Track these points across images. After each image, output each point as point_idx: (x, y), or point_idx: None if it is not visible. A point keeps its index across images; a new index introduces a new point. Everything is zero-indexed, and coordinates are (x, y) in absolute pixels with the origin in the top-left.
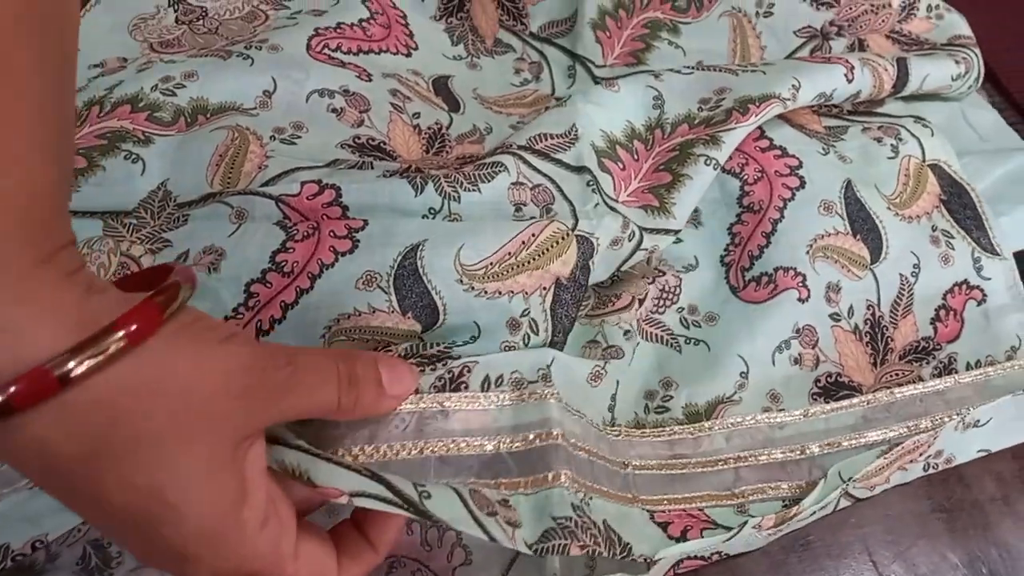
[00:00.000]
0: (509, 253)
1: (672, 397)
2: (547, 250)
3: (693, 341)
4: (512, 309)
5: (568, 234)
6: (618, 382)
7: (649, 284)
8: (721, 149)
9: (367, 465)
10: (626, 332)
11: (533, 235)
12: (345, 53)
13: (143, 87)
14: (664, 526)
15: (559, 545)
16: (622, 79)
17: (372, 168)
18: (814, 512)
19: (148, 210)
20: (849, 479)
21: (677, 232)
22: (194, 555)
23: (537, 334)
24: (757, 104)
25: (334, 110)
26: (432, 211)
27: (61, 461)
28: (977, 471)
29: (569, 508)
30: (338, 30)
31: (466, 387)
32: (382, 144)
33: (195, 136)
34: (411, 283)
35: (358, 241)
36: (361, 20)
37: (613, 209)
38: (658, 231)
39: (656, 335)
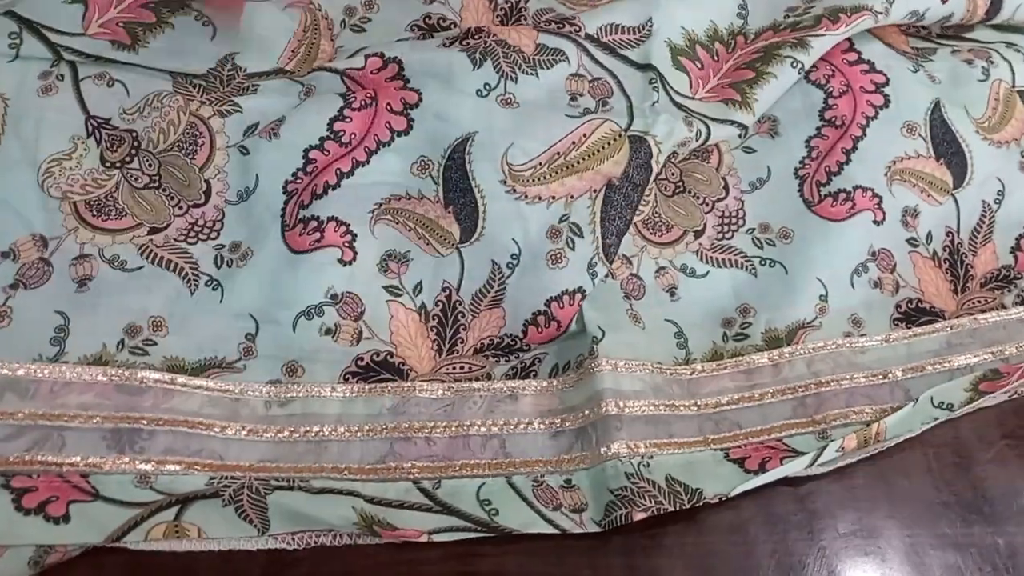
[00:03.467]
0: (558, 153)
1: (751, 324)
2: (598, 151)
3: (769, 262)
4: (551, 216)
5: (621, 134)
6: (674, 322)
7: (707, 213)
8: (808, 53)
9: (439, 499)
10: (659, 270)
11: (584, 135)
12: None
13: None
14: (740, 461)
15: (621, 515)
16: None
17: (434, 38)
18: (899, 435)
19: (217, 77)
20: (942, 405)
21: (746, 128)
22: None
23: (581, 236)
24: (848, 14)
25: None
26: (487, 87)
27: None
28: None
29: (623, 478)
30: None
31: (535, 375)
32: (451, 27)
33: (266, 11)
34: (458, 178)
35: (412, 120)
36: None
37: (681, 107)
38: (727, 122)
39: (729, 260)
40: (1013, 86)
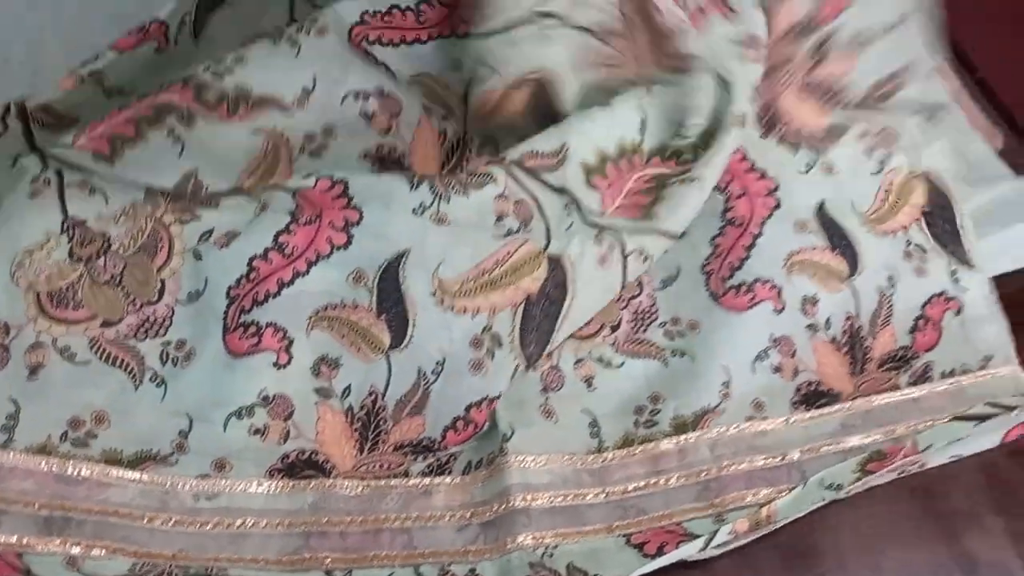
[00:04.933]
0: (484, 271)
1: (660, 410)
2: (519, 268)
3: (679, 353)
4: (474, 327)
5: (540, 254)
6: (590, 411)
7: (622, 309)
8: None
9: None
10: (578, 361)
11: (508, 253)
12: (384, 45)
13: (197, 68)
14: (640, 546)
15: None
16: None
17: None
18: (789, 516)
19: (183, 192)
20: (831, 486)
21: (678, 236)
22: None
23: (501, 346)
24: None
25: (366, 114)
26: (423, 206)
27: None
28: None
29: (527, 568)
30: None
31: (450, 472)
32: (401, 158)
33: (233, 132)
34: (391, 289)
35: (352, 236)
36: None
37: (595, 225)
38: (654, 232)
39: (643, 352)
40: (911, 173)
